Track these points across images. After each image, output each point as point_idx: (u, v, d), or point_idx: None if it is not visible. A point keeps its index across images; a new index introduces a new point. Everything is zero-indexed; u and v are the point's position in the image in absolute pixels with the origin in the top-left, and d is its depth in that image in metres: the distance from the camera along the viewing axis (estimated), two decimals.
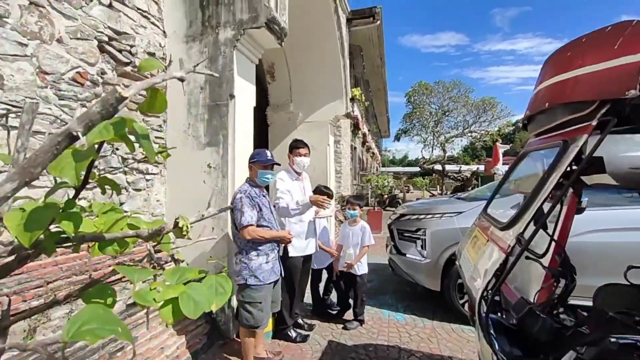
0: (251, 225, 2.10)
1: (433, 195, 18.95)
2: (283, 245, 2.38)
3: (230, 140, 2.80)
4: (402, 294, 3.95)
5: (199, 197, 2.86)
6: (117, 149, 2.51)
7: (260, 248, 2.20)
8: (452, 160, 21.97)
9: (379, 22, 11.60)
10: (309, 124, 6.34)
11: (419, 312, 3.42)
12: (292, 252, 2.65)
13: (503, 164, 19.10)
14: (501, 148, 17.99)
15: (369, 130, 20.95)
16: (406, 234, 3.57)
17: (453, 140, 19.06)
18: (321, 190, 3.29)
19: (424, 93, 18.06)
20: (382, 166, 36.67)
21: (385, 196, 15.59)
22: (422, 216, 3.49)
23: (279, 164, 2.44)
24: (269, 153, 2.36)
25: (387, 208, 15.37)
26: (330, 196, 3.25)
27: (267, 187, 2.50)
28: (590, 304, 1.60)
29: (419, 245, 3.37)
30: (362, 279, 3.04)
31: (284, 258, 2.60)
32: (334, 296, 3.48)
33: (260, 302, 2.14)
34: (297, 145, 2.81)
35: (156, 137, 2.90)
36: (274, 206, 2.50)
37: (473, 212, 3.20)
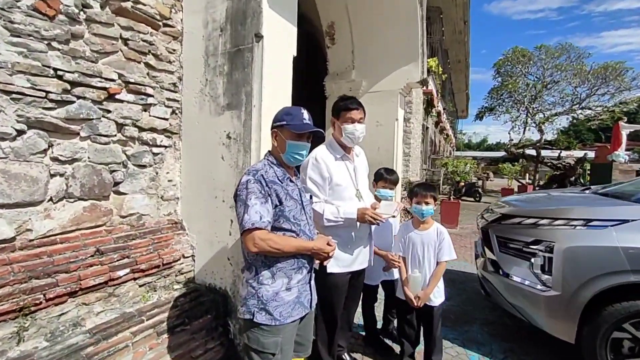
0: (259, 228, 1.27)
1: (522, 185, 15.94)
2: (319, 261, 1.49)
3: (256, 101, 1.98)
4: (499, 329, 2.77)
5: (217, 178, 2.14)
6: (109, 112, 1.90)
7: (278, 266, 1.35)
8: (548, 144, 18.19)
9: None
10: (374, 94, 5.25)
11: None
12: (334, 267, 1.76)
13: (627, 150, 15.03)
14: (625, 129, 14.09)
15: (444, 109, 18.50)
16: (513, 245, 2.37)
17: (554, 120, 15.37)
18: (382, 175, 2.32)
19: (520, 61, 14.65)
20: (457, 150, 33.00)
21: (462, 184, 13.56)
22: (543, 221, 2.23)
23: (322, 133, 1.53)
24: (305, 114, 1.45)
25: (464, 198, 13.40)
26: (393, 183, 2.27)
27: (298, 168, 1.63)
28: None
29: (538, 266, 2.16)
30: (440, 310, 2.01)
31: (321, 275, 1.72)
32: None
33: (273, 354, 1.32)
34: (347, 106, 1.82)
35: (169, 99, 2.24)
36: (310, 198, 1.61)
37: None
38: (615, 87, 13.92)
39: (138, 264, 1.93)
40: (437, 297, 1.98)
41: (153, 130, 2.14)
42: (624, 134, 13.63)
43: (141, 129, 2.07)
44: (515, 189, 15.17)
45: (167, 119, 2.23)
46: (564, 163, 17.63)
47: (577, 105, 14.94)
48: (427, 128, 13.71)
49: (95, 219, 1.85)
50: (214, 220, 2.17)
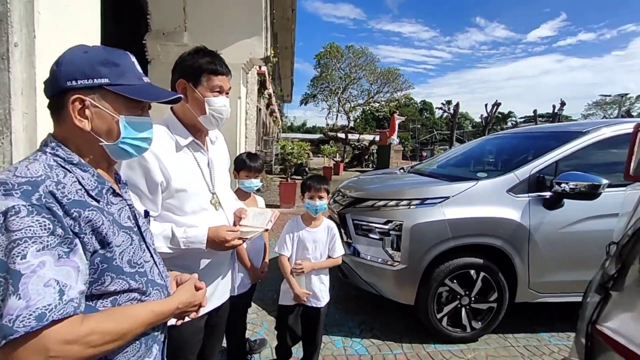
0: (58, 321, 0.57)
1: (336, 163, 19.07)
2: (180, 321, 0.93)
3: (20, 34, 1.06)
4: (357, 308, 2.97)
5: None
6: None
7: None
8: (352, 129, 22.57)
9: None
10: None
11: (383, 335, 2.52)
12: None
13: (398, 136, 20.73)
14: (398, 119, 19.31)
15: (274, 92, 19.19)
16: (367, 227, 2.55)
17: (356, 109, 19.19)
18: (244, 162, 1.92)
19: (335, 56, 17.20)
20: (282, 132, 35.57)
21: (291, 164, 14.67)
22: (391, 202, 2.49)
23: (178, 98, 0.85)
24: (137, 65, 0.79)
25: (294, 177, 14.57)
26: (258, 170, 1.93)
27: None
28: None
29: (388, 245, 2.40)
30: (326, 310, 1.89)
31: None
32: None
33: None
34: (214, 67, 1.18)
35: None
36: (147, 214, 0.96)
37: (463, 199, 2.38)
38: (394, 88, 18.77)
39: None
40: (325, 297, 1.84)
41: None
42: (397, 122, 18.70)
43: None
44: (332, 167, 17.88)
45: None
46: (361, 145, 22.45)
47: (372, 99, 19.14)
48: (260, 110, 13.76)
49: None
50: None
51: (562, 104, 23.95)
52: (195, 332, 1.24)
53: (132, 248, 0.76)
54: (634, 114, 31.79)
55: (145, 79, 0.80)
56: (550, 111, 24.07)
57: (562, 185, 2.18)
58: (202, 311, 1.23)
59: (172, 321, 0.95)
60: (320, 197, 1.72)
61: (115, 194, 0.78)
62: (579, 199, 2.16)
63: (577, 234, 2.28)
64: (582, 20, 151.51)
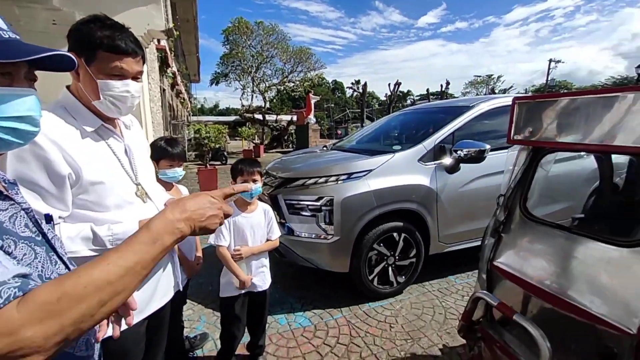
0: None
1: (256, 145, 18.55)
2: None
3: None
4: (295, 285, 3.04)
5: None
6: None
7: None
8: (269, 110, 22.14)
9: None
10: None
11: (323, 304, 2.67)
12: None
13: (314, 115, 21.17)
14: (313, 99, 19.67)
15: (178, 71, 17.27)
16: (300, 206, 2.59)
17: (272, 89, 18.76)
18: (165, 150, 1.76)
19: (244, 33, 16.17)
20: (192, 115, 32.74)
21: (208, 149, 13.72)
22: (321, 179, 2.58)
23: (71, 59, 0.65)
24: None
25: (212, 162, 13.71)
26: (181, 158, 1.80)
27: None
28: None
29: (322, 220, 2.50)
30: (269, 293, 1.90)
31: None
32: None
33: None
34: (113, 43, 0.94)
35: None
36: (50, 219, 0.78)
37: (384, 170, 2.61)
38: (307, 67, 18.86)
39: None
40: (267, 279, 1.84)
41: None
42: (313, 102, 19.03)
43: None
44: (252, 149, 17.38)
45: None
46: (279, 125, 22.27)
47: (286, 79, 18.92)
48: (164, 90, 12.26)
49: None
50: None
51: (447, 83, 27.99)
52: (136, 340, 1.12)
53: (39, 262, 0.61)
54: (497, 91, 39.24)
55: (9, 34, 0.58)
56: (439, 90, 27.84)
57: (459, 152, 2.59)
58: (143, 314, 1.12)
59: (110, 332, 0.83)
60: (254, 180, 1.67)
61: (2, 196, 0.60)
62: (471, 163, 2.61)
63: (472, 191, 2.76)
64: (457, 10, 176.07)
